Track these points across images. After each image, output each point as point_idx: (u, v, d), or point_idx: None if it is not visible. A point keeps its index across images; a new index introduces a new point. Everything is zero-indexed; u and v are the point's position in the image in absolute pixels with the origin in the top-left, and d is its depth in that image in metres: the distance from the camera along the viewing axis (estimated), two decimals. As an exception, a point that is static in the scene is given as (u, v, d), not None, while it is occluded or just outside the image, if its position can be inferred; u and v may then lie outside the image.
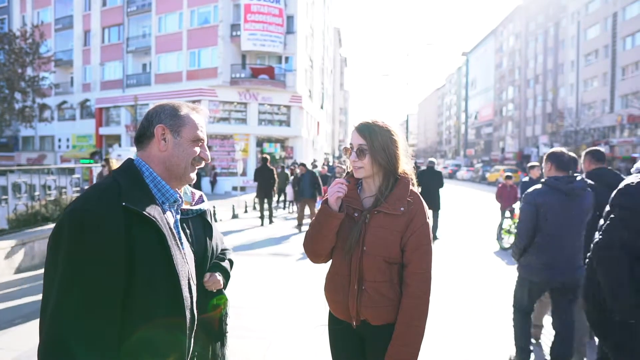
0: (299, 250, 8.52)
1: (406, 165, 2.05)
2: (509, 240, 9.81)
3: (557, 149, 3.82)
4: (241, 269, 6.69)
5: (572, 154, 3.85)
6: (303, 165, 13.63)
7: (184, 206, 2.09)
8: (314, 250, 2.07)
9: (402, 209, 1.95)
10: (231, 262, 2.29)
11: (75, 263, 1.25)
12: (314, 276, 6.43)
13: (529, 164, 9.05)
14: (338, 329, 2.12)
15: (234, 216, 14.68)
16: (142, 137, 1.51)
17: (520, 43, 60.27)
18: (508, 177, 10.77)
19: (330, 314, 2.19)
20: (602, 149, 4.44)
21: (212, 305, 1.97)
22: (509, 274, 7.69)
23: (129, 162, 1.49)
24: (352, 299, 1.98)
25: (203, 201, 2.20)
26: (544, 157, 3.82)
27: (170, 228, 1.44)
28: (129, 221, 1.31)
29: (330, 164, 27.37)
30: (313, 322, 4.72)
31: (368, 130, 1.98)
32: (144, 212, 1.34)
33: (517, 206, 9.26)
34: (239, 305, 5.17)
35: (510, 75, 63.70)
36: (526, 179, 8.77)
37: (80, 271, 1.25)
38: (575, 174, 3.69)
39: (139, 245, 1.32)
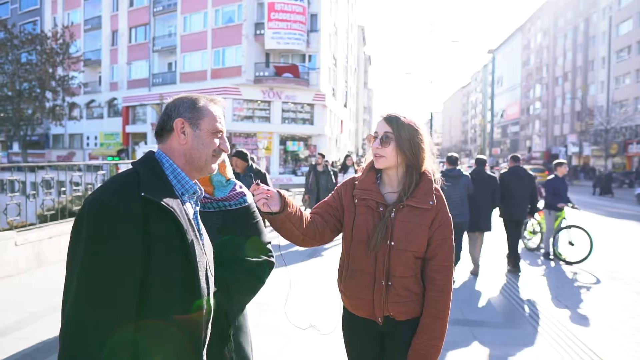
0: (325, 248, 8.51)
1: (430, 163, 2.02)
2: (534, 240, 9.58)
3: (450, 153, 6.93)
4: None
5: (456, 155, 6.99)
6: (239, 154, 6.20)
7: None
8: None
9: (431, 202, 1.94)
10: (255, 274, 1.93)
11: (93, 254, 1.26)
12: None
13: (556, 161, 8.84)
14: (355, 327, 2.07)
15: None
16: (162, 130, 1.52)
17: (548, 40, 58.99)
18: None
19: (345, 310, 2.13)
20: (519, 154, 8.17)
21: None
22: (531, 275, 7.53)
23: (150, 154, 1.50)
24: (379, 296, 1.93)
25: (240, 199, 2.04)
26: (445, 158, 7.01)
27: (189, 219, 1.44)
28: (147, 212, 1.31)
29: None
30: (333, 322, 4.69)
31: (395, 120, 1.95)
32: (162, 203, 1.34)
33: (541, 205, 9.03)
34: (261, 302, 5.18)
35: (537, 73, 62.43)
36: (551, 176, 8.58)
37: (99, 262, 1.26)
38: (456, 167, 6.78)
39: (157, 235, 1.32)
